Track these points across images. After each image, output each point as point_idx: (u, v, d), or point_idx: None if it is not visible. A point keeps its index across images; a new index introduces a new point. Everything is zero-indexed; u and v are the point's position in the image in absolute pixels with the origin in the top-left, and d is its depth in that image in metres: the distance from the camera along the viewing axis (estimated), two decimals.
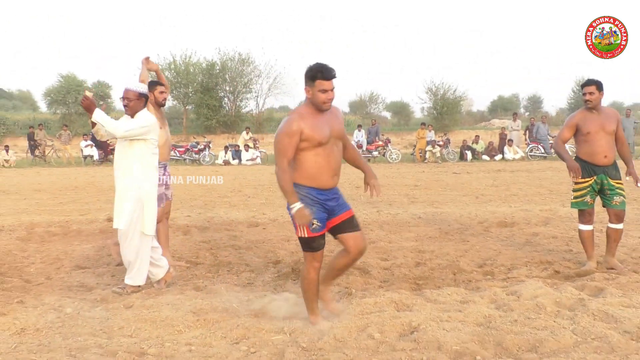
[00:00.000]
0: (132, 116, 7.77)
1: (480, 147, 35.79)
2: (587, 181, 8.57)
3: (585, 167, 8.58)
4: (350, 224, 6.17)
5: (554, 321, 6.16)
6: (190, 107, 56.78)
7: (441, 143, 35.05)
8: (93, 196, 18.55)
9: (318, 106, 5.88)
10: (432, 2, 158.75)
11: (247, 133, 38.23)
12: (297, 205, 5.78)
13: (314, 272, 6.18)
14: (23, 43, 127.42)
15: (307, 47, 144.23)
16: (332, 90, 5.83)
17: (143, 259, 7.82)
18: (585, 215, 8.71)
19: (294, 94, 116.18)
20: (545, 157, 33.10)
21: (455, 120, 55.74)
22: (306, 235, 6.01)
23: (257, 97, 58.48)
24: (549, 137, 34.95)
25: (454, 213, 13.84)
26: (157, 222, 8.23)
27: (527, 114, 63.42)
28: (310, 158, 5.88)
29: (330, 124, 5.95)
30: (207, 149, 35.88)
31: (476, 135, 38.16)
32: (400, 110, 71.64)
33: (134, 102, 7.75)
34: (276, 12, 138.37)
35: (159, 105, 9.08)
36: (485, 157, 34.51)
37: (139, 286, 7.85)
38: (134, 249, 7.75)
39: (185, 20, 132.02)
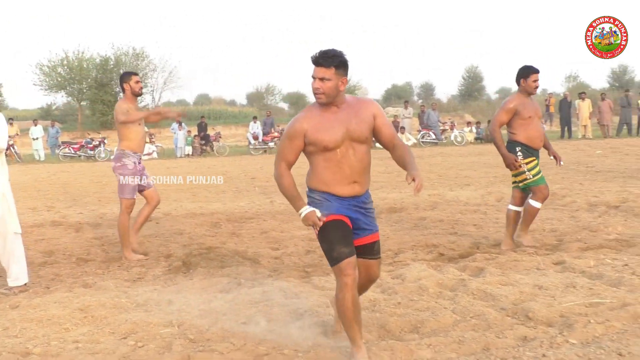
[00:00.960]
0: None
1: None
2: (533, 159, 8.73)
3: (528, 149, 8.73)
4: (369, 249, 5.12)
5: (436, 302, 6.35)
6: (85, 103, 55.91)
7: None
8: None
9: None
10: None
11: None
12: (305, 210, 4.94)
13: (346, 292, 4.85)
14: None
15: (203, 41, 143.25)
16: (320, 79, 4.82)
17: (20, 256, 7.72)
18: (522, 196, 8.87)
19: (190, 87, 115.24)
20: (436, 143, 33.78)
21: None
22: (321, 223, 4.92)
23: (153, 91, 58.06)
24: (439, 123, 35.72)
25: None
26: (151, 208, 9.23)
27: (420, 101, 64.46)
28: (321, 163, 5.01)
29: (347, 123, 4.93)
30: (102, 145, 35.45)
31: None
32: (297, 100, 72.07)
33: None
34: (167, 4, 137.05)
35: (136, 95, 9.25)
36: (377, 144, 34.84)
37: (25, 284, 7.72)
38: (9, 250, 7.64)
39: (78, 15, 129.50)
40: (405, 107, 38.26)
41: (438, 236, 9.70)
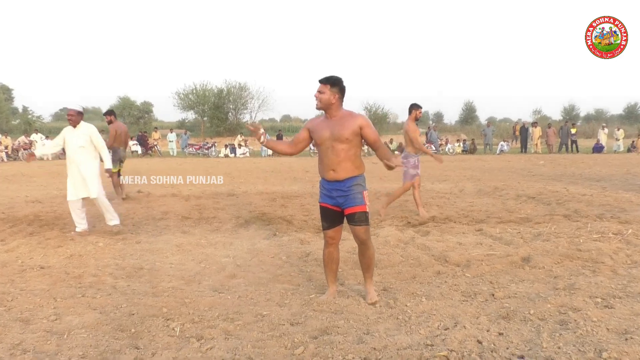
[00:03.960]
0: (75, 127, 8.14)
1: (393, 146, 36.47)
2: None
3: None
4: (352, 218, 4.86)
5: (392, 250, 6.84)
6: (206, 118, 57.02)
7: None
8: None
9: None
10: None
11: (241, 136, 38.65)
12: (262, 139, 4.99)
13: (326, 248, 5.08)
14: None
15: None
16: (319, 91, 4.73)
17: (108, 206, 8.37)
18: None
19: (276, 110, 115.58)
20: (435, 153, 33.66)
21: (383, 128, 56.05)
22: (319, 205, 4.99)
23: (251, 112, 58.90)
24: (438, 139, 35.81)
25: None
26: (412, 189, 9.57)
27: (433, 124, 64.18)
28: (319, 154, 4.91)
29: (332, 128, 4.76)
30: (213, 146, 36.29)
31: (390, 138, 38.90)
32: None
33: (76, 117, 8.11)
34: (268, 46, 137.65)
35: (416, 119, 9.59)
36: (397, 152, 35.08)
37: (117, 224, 8.42)
38: (106, 202, 8.29)
39: (205, 55, 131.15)
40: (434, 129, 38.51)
41: (411, 212, 10.06)
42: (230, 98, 56.56)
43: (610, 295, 4.91)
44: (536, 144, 34.15)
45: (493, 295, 5.01)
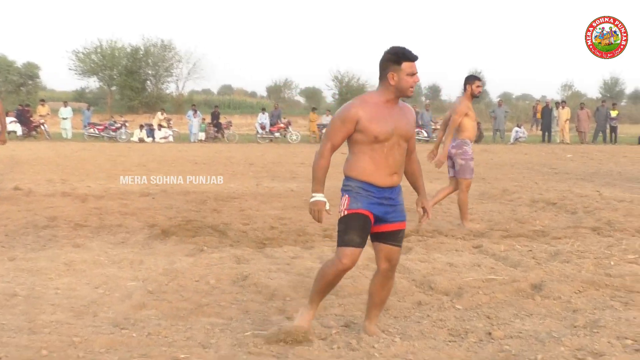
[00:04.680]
0: None
1: None
2: None
3: None
4: (394, 237, 4.97)
5: (360, 272, 6.94)
6: (115, 88, 56.65)
7: None
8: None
9: (403, 92, 4.82)
10: None
11: (162, 114, 38.50)
12: (318, 196, 4.90)
13: (334, 270, 4.93)
14: None
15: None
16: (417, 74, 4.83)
17: None
18: None
19: (213, 78, 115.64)
20: (427, 141, 34.02)
21: None
22: (345, 214, 4.86)
23: (177, 80, 58.77)
24: (431, 123, 36.22)
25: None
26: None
27: (426, 101, 64.43)
28: (367, 153, 4.81)
29: (396, 120, 4.82)
30: (123, 127, 36.10)
31: None
32: (313, 95, 72.58)
33: None
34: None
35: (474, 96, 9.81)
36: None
37: None
38: None
39: (114, 5, 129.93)
40: None
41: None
42: (149, 60, 56.45)
43: None
44: (562, 131, 34.77)
45: (490, 334, 5.13)
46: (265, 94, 79.62)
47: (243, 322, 5.55)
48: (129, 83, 53.43)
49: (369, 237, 4.97)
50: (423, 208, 5.18)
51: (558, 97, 64.97)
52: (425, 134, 34.93)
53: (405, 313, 5.76)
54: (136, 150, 26.49)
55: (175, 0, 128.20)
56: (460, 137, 9.74)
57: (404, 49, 4.82)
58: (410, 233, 9.12)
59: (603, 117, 35.13)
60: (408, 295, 6.25)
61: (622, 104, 63.99)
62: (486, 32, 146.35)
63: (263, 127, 36.35)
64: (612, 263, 7.29)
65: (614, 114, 35.37)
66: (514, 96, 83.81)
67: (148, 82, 56.23)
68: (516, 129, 36.21)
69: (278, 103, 47.77)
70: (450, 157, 9.79)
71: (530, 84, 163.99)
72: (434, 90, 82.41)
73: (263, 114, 37.76)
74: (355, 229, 4.83)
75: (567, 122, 34.89)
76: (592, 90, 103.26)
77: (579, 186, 14.74)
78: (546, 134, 35.38)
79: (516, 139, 34.81)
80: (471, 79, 9.68)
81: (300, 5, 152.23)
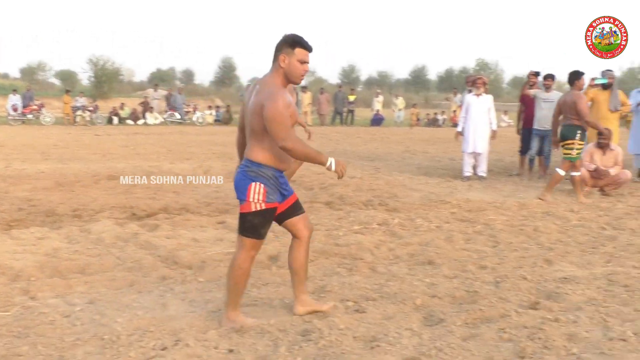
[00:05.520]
0: None
1: (125, 113, 36.07)
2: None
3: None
4: (297, 207, 4.95)
5: (107, 250, 6.92)
6: None
7: (91, 108, 34.74)
8: None
9: (292, 78, 4.70)
10: None
11: None
12: (332, 160, 4.72)
13: (249, 262, 4.85)
14: None
15: None
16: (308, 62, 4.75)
17: None
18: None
19: None
20: (180, 123, 34.02)
21: (112, 88, 54.83)
22: (262, 208, 4.68)
23: None
24: (184, 105, 36.14)
25: (76, 168, 14.04)
26: None
27: (181, 85, 63.74)
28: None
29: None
30: None
31: (122, 103, 38.36)
32: (68, 78, 69.91)
33: None
34: None
35: None
36: (129, 121, 34.66)
37: None
38: None
39: None
40: (155, 90, 38.13)
41: (139, 199, 10.11)
42: None
43: (364, 297, 5.51)
44: (305, 113, 36.09)
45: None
46: (18, 75, 75.53)
47: None
48: None
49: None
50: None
51: (303, 82, 67.31)
52: (178, 116, 34.74)
53: (150, 288, 5.82)
54: None
55: None
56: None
57: (301, 37, 4.71)
58: (158, 211, 9.16)
59: (341, 101, 36.88)
60: (153, 270, 6.32)
61: (359, 89, 67.33)
62: (237, 20, 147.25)
63: (15, 109, 34.24)
64: (340, 234, 7.79)
65: (351, 98, 37.20)
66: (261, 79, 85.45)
67: None
68: None
69: (31, 85, 45.24)
70: None
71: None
72: (188, 74, 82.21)
73: (14, 95, 35.66)
74: (269, 222, 4.81)
75: (310, 105, 36.29)
76: (332, 76, 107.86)
77: (316, 165, 15.33)
78: None
79: None
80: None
81: None
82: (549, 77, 13.49)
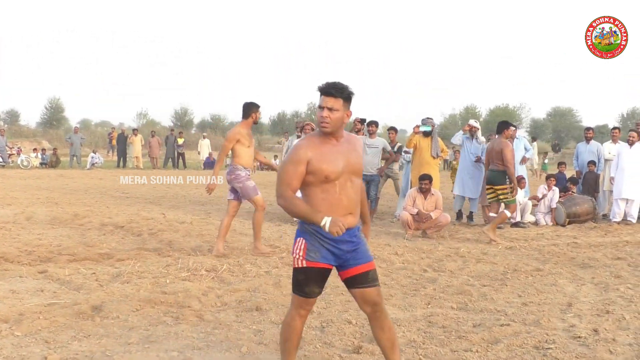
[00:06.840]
0: None
1: None
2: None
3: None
4: (364, 279, 4.46)
5: None
6: None
7: None
8: None
9: (318, 125, 4.43)
10: None
11: None
12: (327, 219, 4.21)
13: (299, 320, 4.53)
14: None
15: None
16: (328, 108, 4.31)
17: None
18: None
19: None
20: (3, 166, 32.19)
21: None
22: (303, 265, 4.38)
23: None
24: (7, 147, 34.48)
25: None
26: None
27: (4, 126, 60.61)
28: (318, 194, 4.38)
29: (347, 156, 4.44)
30: None
31: None
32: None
33: None
34: None
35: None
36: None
37: None
38: None
39: None
40: None
41: None
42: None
43: (190, 346, 5.35)
44: (137, 157, 35.44)
45: (46, 358, 5.01)
46: None
47: None
48: None
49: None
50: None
51: (134, 125, 66.07)
52: (1, 159, 32.99)
53: None
54: None
55: None
56: (234, 163, 9.54)
57: (324, 83, 4.41)
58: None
59: (171, 144, 36.42)
60: None
61: (192, 131, 66.98)
62: (69, 58, 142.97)
63: None
64: (167, 281, 7.57)
65: (180, 141, 36.78)
66: (93, 123, 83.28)
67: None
68: (92, 154, 36.11)
69: None
70: (229, 182, 9.64)
71: (111, 112, 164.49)
72: (12, 115, 78.59)
73: None
74: (316, 281, 4.43)
75: (142, 148, 35.74)
76: (165, 119, 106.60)
77: (147, 209, 15.04)
78: (121, 159, 35.79)
79: (92, 164, 34.61)
80: (254, 107, 9.57)
81: None
82: (373, 123, 13.95)
